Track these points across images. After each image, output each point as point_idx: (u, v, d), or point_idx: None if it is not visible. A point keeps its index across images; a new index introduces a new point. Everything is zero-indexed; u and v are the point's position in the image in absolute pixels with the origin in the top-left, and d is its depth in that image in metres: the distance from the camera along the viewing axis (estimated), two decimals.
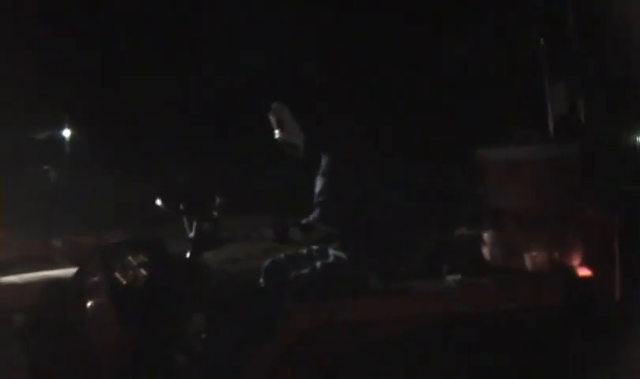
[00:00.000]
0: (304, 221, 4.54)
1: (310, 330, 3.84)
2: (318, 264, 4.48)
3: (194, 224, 4.84)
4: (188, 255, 4.90)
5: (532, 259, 3.72)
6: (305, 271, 4.45)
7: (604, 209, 3.81)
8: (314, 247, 4.68)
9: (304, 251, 4.71)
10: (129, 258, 5.00)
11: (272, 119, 4.73)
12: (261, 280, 4.73)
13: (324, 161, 4.58)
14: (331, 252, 4.50)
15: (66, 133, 20.47)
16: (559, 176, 3.84)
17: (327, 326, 3.84)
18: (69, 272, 4.73)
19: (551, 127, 5.29)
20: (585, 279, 3.65)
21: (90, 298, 4.52)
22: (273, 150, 4.85)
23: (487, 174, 4.01)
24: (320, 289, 4.19)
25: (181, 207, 4.89)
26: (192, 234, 4.86)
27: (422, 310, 3.66)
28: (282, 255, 4.77)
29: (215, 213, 4.85)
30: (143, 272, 4.98)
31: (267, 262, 4.78)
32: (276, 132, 4.72)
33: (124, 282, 4.78)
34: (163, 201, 4.93)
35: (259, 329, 4.15)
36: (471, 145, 4.18)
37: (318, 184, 4.56)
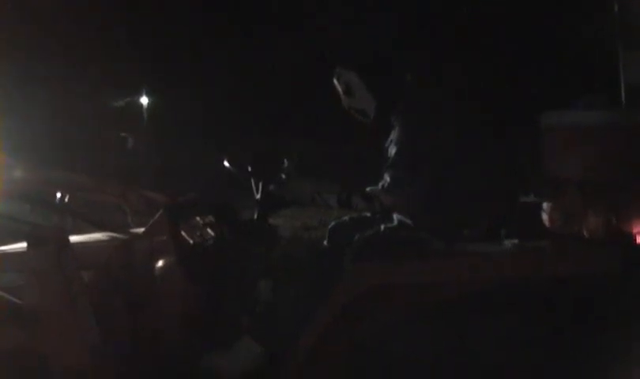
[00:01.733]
0: (368, 189, 4.55)
1: (369, 290, 3.83)
2: (382, 226, 4.50)
3: (260, 186, 4.90)
4: (255, 216, 4.96)
5: (592, 225, 3.69)
6: (368, 233, 4.46)
7: None
8: (379, 212, 4.69)
9: (369, 214, 4.73)
10: (197, 219, 5.10)
11: (339, 85, 4.70)
12: (326, 242, 4.79)
13: (397, 128, 4.53)
14: (395, 216, 4.51)
15: (144, 100, 20.75)
16: (623, 143, 3.78)
17: (386, 287, 3.82)
18: (138, 231, 4.80)
19: (623, 95, 5.19)
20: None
21: (158, 258, 4.59)
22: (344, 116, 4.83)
23: (550, 138, 3.98)
24: (381, 251, 4.21)
25: (249, 169, 4.96)
26: (258, 196, 4.92)
27: (479, 273, 3.64)
28: (347, 218, 4.81)
29: (282, 176, 4.89)
30: (210, 232, 5.07)
31: (332, 224, 4.82)
32: (343, 98, 4.70)
33: (191, 242, 4.87)
34: (230, 163, 5.00)
35: (320, 290, 4.19)
36: (536, 110, 4.14)
37: (389, 151, 4.53)
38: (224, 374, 4.33)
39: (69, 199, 5.19)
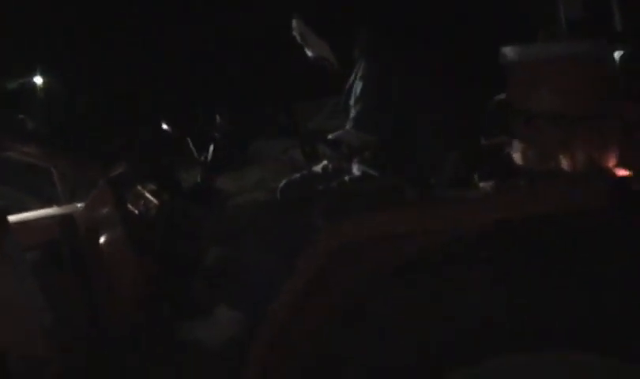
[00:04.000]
0: (332, 135, 4.35)
1: (341, 248, 3.51)
2: (346, 178, 4.29)
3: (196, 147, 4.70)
4: (198, 180, 4.76)
5: (569, 161, 3.55)
6: (335, 185, 4.25)
7: None
8: (330, 167, 4.50)
9: (320, 170, 4.53)
10: (138, 187, 4.88)
11: (297, 37, 4.52)
12: (278, 202, 4.60)
13: (362, 65, 4.34)
14: (357, 167, 4.32)
15: (38, 80, 20.08)
16: (594, 73, 3.65)
17: (359, 243, 3.52)
18: (79, 205, 4.61)
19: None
20: (623, 179, 3.48)
21: (105, 232, 4.39)
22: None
23: (514, 74, 3.81)
24: (350, 203, 4.00)
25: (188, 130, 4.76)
26: (201, 158, 4.72)
27: (458, 220, 3.45)
28: (297, 175, 4.61)
29: (224, 136, 4.69)
30: (153, 200, 4.85)
31: (282, 183, 4.64)
32: (305, 49, 4.52)
33: (137, 212, 4.67)
34: (168, 124, 4.78)
35: (282, 253, 3.98)
36: (492, 46, 3.97)
37: (354, 88, 4.34)
38: (206, 343, 4.12)
39: None
